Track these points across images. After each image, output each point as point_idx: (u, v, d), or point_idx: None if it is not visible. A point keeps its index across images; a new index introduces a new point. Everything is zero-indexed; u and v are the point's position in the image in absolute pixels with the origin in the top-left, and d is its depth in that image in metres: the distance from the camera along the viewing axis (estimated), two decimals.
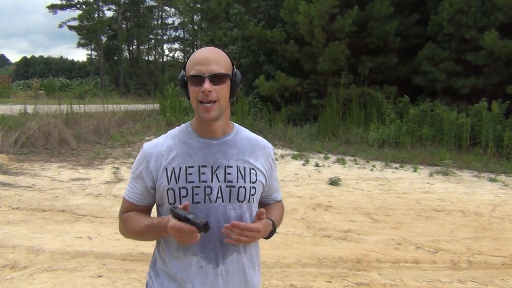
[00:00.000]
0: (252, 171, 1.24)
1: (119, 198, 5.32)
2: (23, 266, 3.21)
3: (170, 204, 1.18)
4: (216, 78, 1.14)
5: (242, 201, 1.22)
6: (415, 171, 7.81)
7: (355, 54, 12.55)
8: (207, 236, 1.17)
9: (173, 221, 1.08)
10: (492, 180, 7.13)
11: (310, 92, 13.51)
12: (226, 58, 1.19)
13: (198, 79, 1.14)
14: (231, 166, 1.22)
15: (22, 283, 2.94)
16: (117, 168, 7.04)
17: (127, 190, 1.29)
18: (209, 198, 1.18)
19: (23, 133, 8.39)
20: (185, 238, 1.08)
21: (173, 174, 1.19)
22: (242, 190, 1.21)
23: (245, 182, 1.22)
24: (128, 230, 1.28)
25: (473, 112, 10.22)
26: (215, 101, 1.15)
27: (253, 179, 1.24)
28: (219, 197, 1.19)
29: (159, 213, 1.29)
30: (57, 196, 5.28)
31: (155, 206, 1.32)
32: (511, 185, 6.83)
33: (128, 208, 1.28)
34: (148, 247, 3.41)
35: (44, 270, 3.16)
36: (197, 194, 1.18)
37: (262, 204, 1.38)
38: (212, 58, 1.16)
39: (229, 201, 1.20)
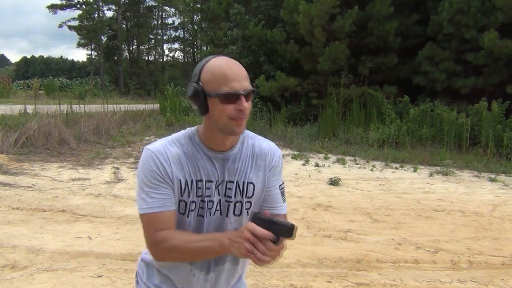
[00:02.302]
0: (250, 185, 1.23)
1: (119, 198, 5.32)
2: (23, 266, 3.21)
3: (181, 214, 1.17)
4: (248, 95, 1.12)
5: (239, 215, 1.23)
6: (415, 171, 7.81)
7: (355, 54, 12.54)
8: None
9: (252, 225, 1.00)
10: (492, 180, 7.13)
11: (310, 92, 13.51)
12: None
13: (233, 97, 1.09)
14: (232, 182, 1.21)
15: (22, 283, 2.94)
16: (117, 168, 7.04)
17: (150, 203, 1.13)
18: (209, 211, 1.20)
19: (23, 133, 8.39)
20: (259, 248, 0.98)
21: (186, 187, 1.16)
22: (238, 205, 1.22)
23: (242, 197, 1.22)
24: (176, 249, 1.12)
25: (473, 112, 10.22)
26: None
27: (250, 194, 1.23)
28: (217, 210, 1.21)
29: None
30: (57, 196, 5.28)
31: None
32: (511, 185, 6.83)
33: (160, 221, 1.13)
34: None
35: (44, 270, 3.16)
36: (202, 208, 1.19)
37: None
38: (243, 73, 1.12)
39: (226, 215, 1.22)
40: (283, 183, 1.31)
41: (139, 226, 4.57)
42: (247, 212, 1.25)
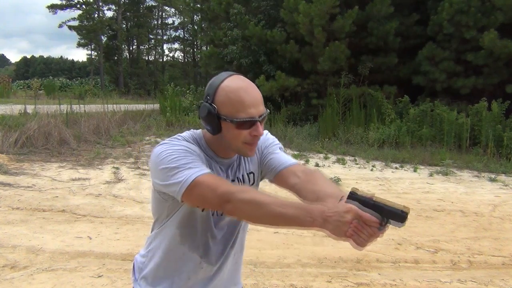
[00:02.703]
0: (251, 175, 1.28)
1: (119, 198, 5.32)
2: (23, 266, 3.21)
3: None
4: (263, 119, 1.12)
5: None
6: (415, 171, 7.81)
7: (355, 54, 12.54)
8: (217, 243, 1.23)
9: (356, 209, 0.87)
10: (492, 180, 7.13)
11: (310, 92, 13.51)
12: None
13: (249, 123, 1.08)
14: (234, 180, 1.25)
15: (22, 283, 2.94)
16: (117, 168, 7.03)
17: (200, 166, 1.06)
18: None
19: (23, 133, 8.38)
20: (363, 234, 0.86)
21: None
22: None
23: None
24: (255, 203, 0.99)
25: (473, 112, 10.22)
26: None
27: (251, 181, 1.28)
28: None
29: (162, 223, 1.25)
30: (57, 196, 5.28)
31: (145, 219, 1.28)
32: (511, 185, 6.83)
33: (220, 178, 1.10)
34: None
35: (44, 270, 3.16)
36: None
37: (275, 177, 1.24)
38: (259, 97, 1.10)
39: None
40: (282, 148, 1.31)
41: (139, 226, 4.56)
42: None
